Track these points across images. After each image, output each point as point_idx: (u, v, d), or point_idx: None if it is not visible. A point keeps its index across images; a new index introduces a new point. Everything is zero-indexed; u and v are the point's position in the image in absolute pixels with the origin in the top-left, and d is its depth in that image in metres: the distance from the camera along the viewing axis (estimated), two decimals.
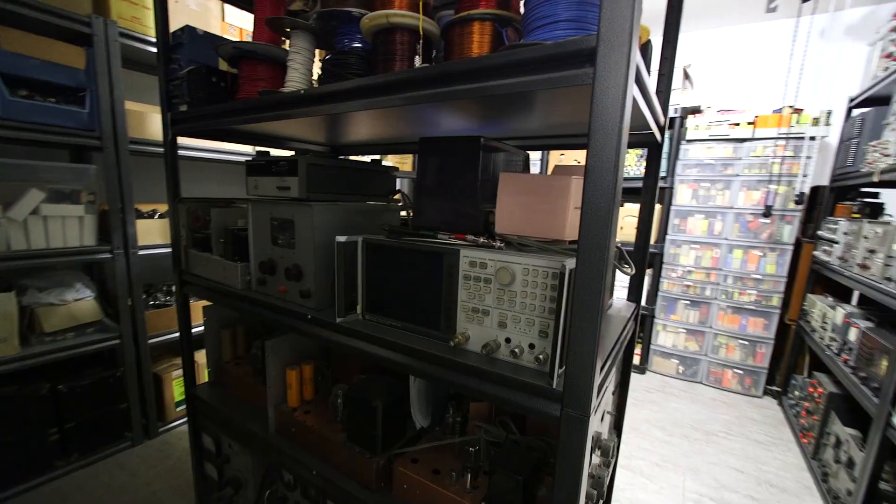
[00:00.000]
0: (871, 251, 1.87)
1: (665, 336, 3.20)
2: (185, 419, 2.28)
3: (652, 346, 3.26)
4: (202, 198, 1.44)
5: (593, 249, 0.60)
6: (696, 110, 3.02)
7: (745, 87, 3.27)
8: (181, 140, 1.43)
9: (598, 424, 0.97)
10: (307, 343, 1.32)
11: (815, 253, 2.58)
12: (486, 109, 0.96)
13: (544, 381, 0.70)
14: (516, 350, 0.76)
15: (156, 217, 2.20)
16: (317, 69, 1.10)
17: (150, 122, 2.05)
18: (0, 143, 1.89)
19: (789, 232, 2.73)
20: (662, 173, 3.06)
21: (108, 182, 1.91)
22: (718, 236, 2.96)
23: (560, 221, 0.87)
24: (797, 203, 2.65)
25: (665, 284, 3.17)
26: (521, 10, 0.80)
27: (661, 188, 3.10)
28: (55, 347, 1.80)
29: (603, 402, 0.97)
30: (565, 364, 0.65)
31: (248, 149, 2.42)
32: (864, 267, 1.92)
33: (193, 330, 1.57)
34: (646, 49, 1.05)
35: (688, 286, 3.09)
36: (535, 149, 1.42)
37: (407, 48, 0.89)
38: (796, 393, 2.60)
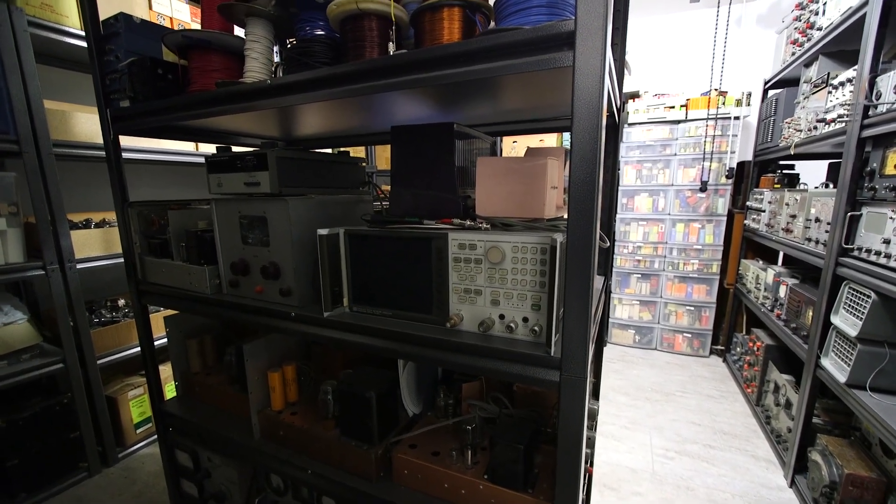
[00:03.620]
0: (793, 216, 2.11)
1: (621, 309, 3.42)
2: (147, 440, 2.14)
3: (610, 320, 3.47)
4: (156, 200, 1.34)
5: (582, 221, 0.64)
6: (635, 95, 3.22)
7: (677, 73, 3.53)
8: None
9: None
10: (286, 344, 1.28)
11: (746, 222, 2.87)
12: (454, 96, 0.97)
13: (542, 350, 0.74)
14: (511, 325, 0.79)
15: (92, 226, 2.01)
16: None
17: (75, 121, 1.86)
18: None
19: (723, 204, 3.01)
20: None
21: (32, 190, 1.72)
22: (662, 212, 3.20)
23: (539, 201, 0.91)
24: (728, 178, 2.92)
25: (618, 261, 3.38)
26: None
27: None
28: None
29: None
30: (561, 332, 0.69)
31: (188, 147, 2.26)
32: (787, 231, 2.16)
33: (156, 343, 1.47)
34: None
35: (638, 261, 3.31)
36: (493, 134, 1.45)
37: (377, 35, 0.88)
38: (738, 349, 2.89)
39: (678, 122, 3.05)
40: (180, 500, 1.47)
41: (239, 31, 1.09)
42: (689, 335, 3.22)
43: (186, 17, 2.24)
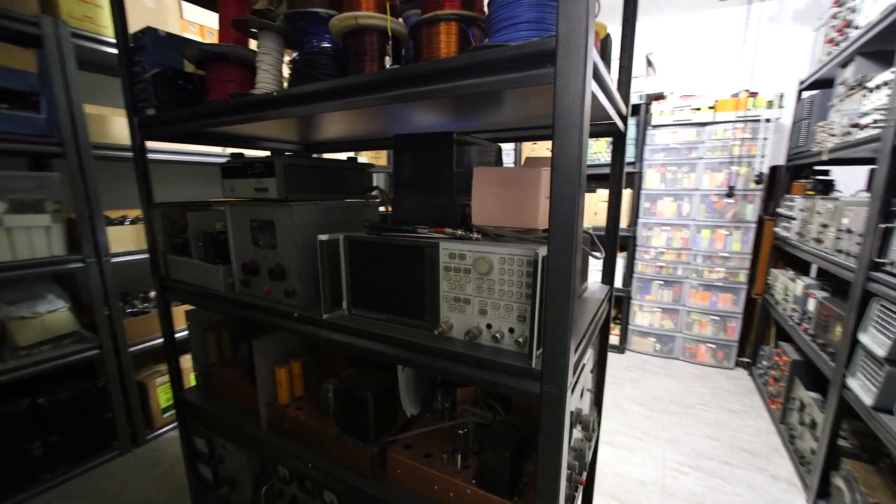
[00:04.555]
0: (824, 226, 2.00)
1: (642, 316, 3.34)
2: (173, 425, 2.27)
3: (630, 326, 3.39)
4: (177, 202, 1.43)
5: (562, 236, 0.65)
6: (659, 96, 3.12)
7: (705, 73, 3.39)
8: (150, 143, 1.41)
9: (578, 401, 1.03)
10: (294, 341, 1.34)
11: (776, 229, 2.73)
12: (459, 105, 0.99)
13: (524, 361, 0.75)
14: (497, 335, 0.80)
15: (126, 223, 2.15)
16: (286, 69, 1.11)
17: (113, 125, 2.00)
18: None
19: (752, 211, 2.88)
20: (631, 159, 3.16)
21: (74, 189, 1.86)
22: (687, 217, 3.09)
23: (533, 211, 0.92)
24: (757, 183, 2.79)
25: (639, 266, 3.29)
26: (486, 10, 0.83)
27: (631, 173, 3.21)
28: (31, 361, 1.76)
29: (581, 380, 1.03)
30: (542, 345, 0.70)
31: (220, 149, 2.38)
32: (818, 241, 2.05)
33: (177, 335, 1.56)
34: (605, 43, 1.10)
35: (661, 267, 3.21)
36: (508, 140, 1.46)
37: (376, 49, 0.91)
38: (764, 363, 2.77)
39: (705, 124, 2.94)
40: (198, 483, 1.56)
41: (254, 45, 1.15)
42: (713, 346, 3.10)
43: (215, 25, 2.34)
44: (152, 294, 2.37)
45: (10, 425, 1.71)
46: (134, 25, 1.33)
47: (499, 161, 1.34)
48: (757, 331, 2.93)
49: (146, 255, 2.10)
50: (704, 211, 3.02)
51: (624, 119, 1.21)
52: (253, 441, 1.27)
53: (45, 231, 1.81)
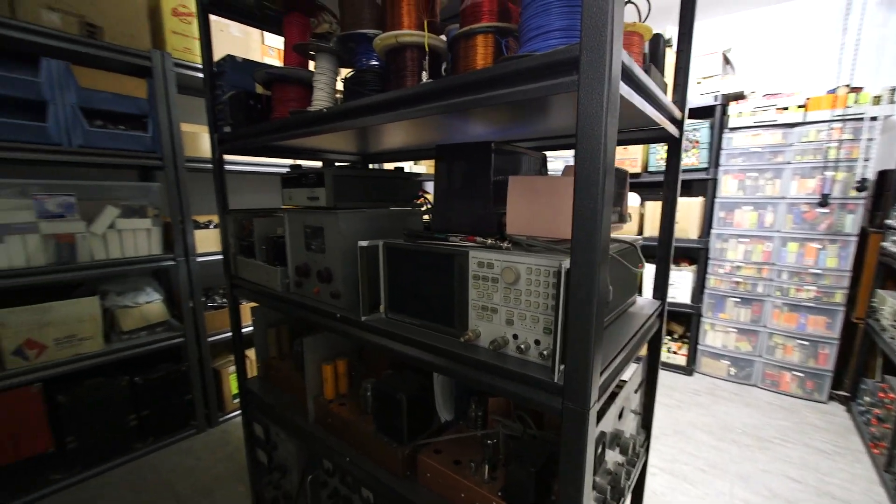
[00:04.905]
0: None
1: (714, 336, 3.04)
2: (240, 410, 2.49)
3: (699, 347, 3.10)
4: (246, 209, 1.59)
5: (584, 247, 0.63)
6: (738, 96, 2.85)
7: (794, 68, 3.03)
8: (227, 156, 1.58)
9: (616, 421, 0.98)
10: (341, 341, 1.42)
11: (885, 244, 2.35)
12: (501, 115, 0.99)
13: (547, 375, 0.73)
14: (522, 346, 0.79)
15: (211, 227, 2.43)
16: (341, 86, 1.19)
17: (202, 141, 2.27)
18: (82, 168, 2.17)
19: (852, 222, 2.50)
20: (704, 164, 2.91)
21: (170, 197, 2.14)
22: (770, 228, 2.77)
23: (567, 221, 0.89)
24: (859, 190, 2.42)
25: (712, 281, 3.01)
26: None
27: (703, 180, 2.95)
28: (131, 344, 2.05)
29: (620, 399, 0.98)
30: (566, 359, 0.68)
31: (291, 161, 2.60)
32: None
33: (244, 329, 1.73)
34: (656, 45, 1.04)
35: (737, 282, 2.91)
36: (564, 148, 1.42)
37: (416, 64, 0.95)
38: (866, 398, 2.38)
39: (794, 125, 2.62)
40: (255, 466, 1.70)
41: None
42: (801, 374, 2.73)
43: None
44: None
45: (113, 398, 2.01)
46: (222, 53, 1.51)
47: (543, 169, 1.32)
48: (858, 361, 2.53)
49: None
50: (791, 221, 2.69)
51: (678, 123, 1.13)
52: (301, 432, 1.36)
53: (146, 233, 2.10)
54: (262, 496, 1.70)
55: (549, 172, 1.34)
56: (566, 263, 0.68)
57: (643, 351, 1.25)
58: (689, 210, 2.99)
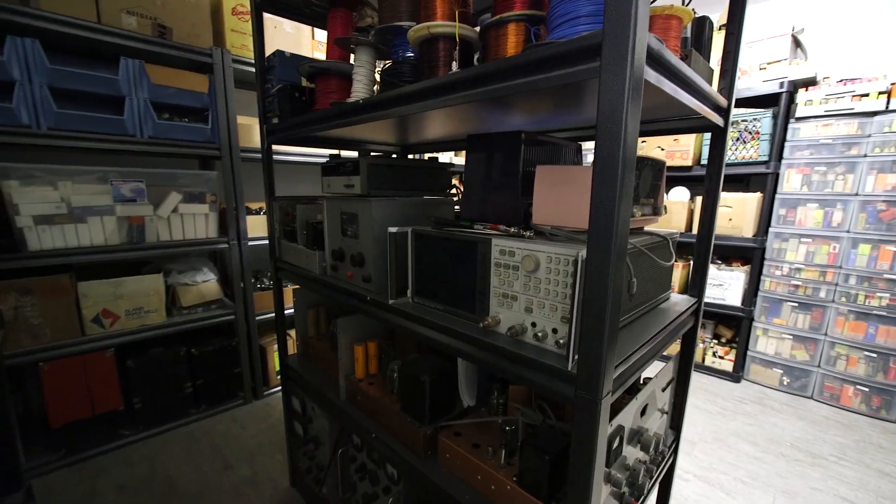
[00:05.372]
0: None
1: (766, 342, 2.84)
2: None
3: (749, 353, 2.91)
4: (290, 196, 1.69)
5: (600, 237, 0.63)
6: (810, 82, 2.60)
7: (876, 51, 2.71)
8: (276, 147, 1.69)
9: (637, 417, 0.96)
10: (372, 323, 1.48)
11: None
12: (536, 104, 0.99)
13: (561, 363, 0.73)
14: (539, 334, 0.80)
15: (261, 213, 2.59)
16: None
17: (254, 132, 2.42)
18: (150, 157, 2.39)
19: None
20: (764, 157, 2.70)
21: (225, 184, 2.31)
22: (838, 228, 2.53)
23: (585, 210, 0.88)
24: None
25: (767, 283, 2.80)
26: None
27: (762, 174, 2.74)
28: (189, 319, 2.25)
29: (643, 395, 0.96)
30: (580, 348, 0.68)
31: (337, 151, 2.71)
32: None
33: (287, 311, 1.85)
34: (701, 28, 0.99)
35: (796, 286, 2.69)
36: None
37: (448, 54, 0.97)
38: None
39: (874, 113, 2.37)
40: (292, 437, 1.83)
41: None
42: (866, 389, 2.49)
43: None
44: None
45: (172, 367, 2.22)
46: (276, 48, 1.61)
47: (578, 159, 1.30)
48: None
49: None
50: (864, 221, 2.44)
51: (723, 112, 1.07)
52: (332, 407, 1.44)
53: (204, 217, 2.28)
54: (297, 465, 1.83)
55: (583, 163, 1.32)
56: (583, 253, 0.68)
57: (675, 349, 1.21)
58: (744, 206, 2.79)
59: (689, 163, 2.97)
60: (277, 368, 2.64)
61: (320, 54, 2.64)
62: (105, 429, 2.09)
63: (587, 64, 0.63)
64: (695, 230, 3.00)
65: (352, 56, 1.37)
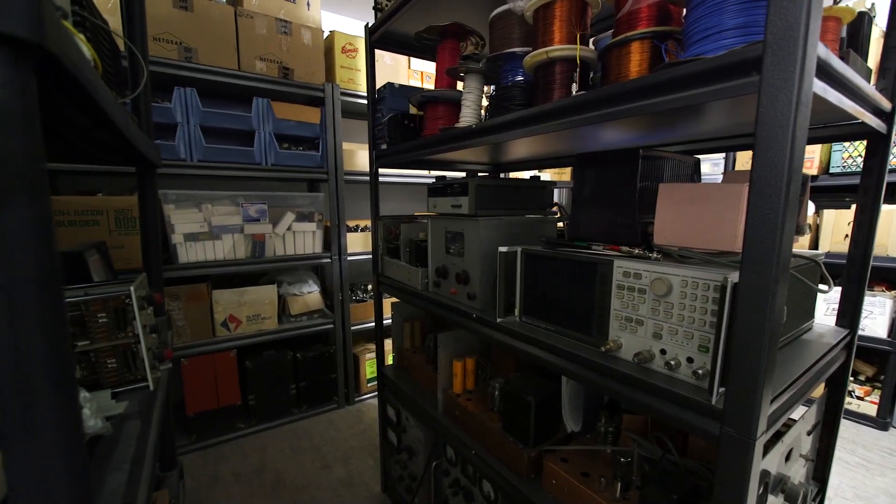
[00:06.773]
0: None
1: None
2: (373, 393, 2.80)
3: None
4: (394, 215, 1.80)
5: (758, 261, 0.58)
6: None
7: None
8: (381, 169, 1.82)
9: (782, 464, 0.86)
10: (471, 339, 1.51)
11: None
12: (651, 121, 0.96)
13: (703, 396, 0.68)
14: (671, 362, 0.76)
15: (359, 231, 2.79)
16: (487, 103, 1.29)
17: (356, 157, 2.64)
18: (271, 181, 2.71)
19: None
20: None
21: (330, 204, 2.54)
22: None
23: (729, 232, 0.82)
24: None
25: None
26: (684, 21, 0.80)
27: None
28: (296, 326, 2.48)
29: (789, 439, 0.86)
30: (728, 381, 0.63)
31: (422, 172, 2.85)
32: None
33: (384, 322, 1.96)
34: (858, 24, 0.89)
35: None
36: (715, 151, 1.31)
37: (565, 77, 0.98)
38: None
39: None
40: (385, 444, 1.90)
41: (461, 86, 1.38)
42: None
43: (432, 70, 2.83)
44: (369, 287, 3.00)
45: (281, 369, 2.45)
46: (377, 79, 1.76)
47: (696, 175, 1.22)
48: None
49: (369, 256, 2.71)
50: None
51: (886, 116, 0.94)
52: (429, 419, 1.48)
53: (312, 235, 2.53)
54: (389, 472, 1.89)
55: (701, 178, 1.24)
56: (734, 277, 0.64)
57: (819, 390, 1.06)
58: (889, 221, 2.38)
59: (814, 171, 2.62)
60: (368, 377, 2.78)
61: (416, 81, 2.82)
62: (225, 420, 2.36)
63: (740, 79, 0.60)
64: (822, 248, 2.62)
65: (459, 83, 1.45)
